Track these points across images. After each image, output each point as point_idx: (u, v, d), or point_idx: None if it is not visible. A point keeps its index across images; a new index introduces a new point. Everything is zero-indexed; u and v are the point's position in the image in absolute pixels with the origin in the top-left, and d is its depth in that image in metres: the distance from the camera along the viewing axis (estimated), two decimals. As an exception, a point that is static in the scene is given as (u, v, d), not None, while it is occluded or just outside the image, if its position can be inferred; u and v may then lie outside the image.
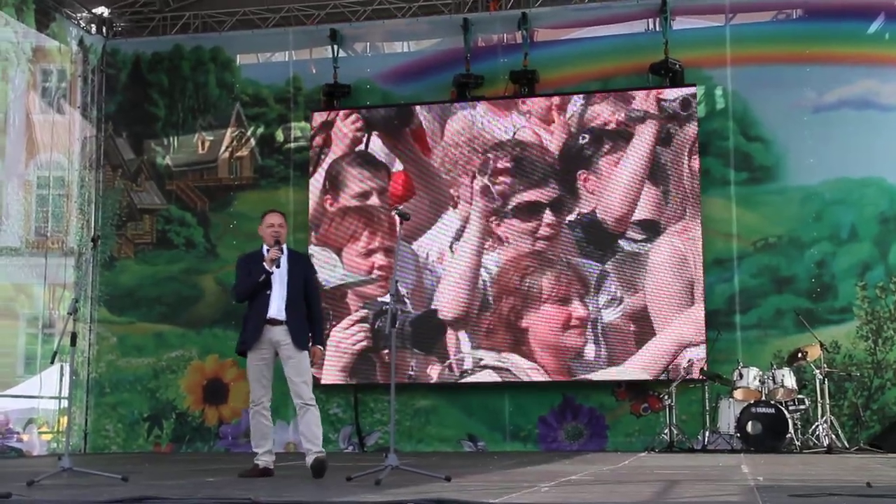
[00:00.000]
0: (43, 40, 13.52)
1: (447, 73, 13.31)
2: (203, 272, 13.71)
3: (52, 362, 9.71)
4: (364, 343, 12.77)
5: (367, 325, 12.79)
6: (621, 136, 12.54)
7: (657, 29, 12.96)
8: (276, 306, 7.10)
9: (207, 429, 13.42)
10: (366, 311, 12.80)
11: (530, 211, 12.64)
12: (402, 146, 13.09)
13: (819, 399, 11.00)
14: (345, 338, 12.79)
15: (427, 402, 12.90)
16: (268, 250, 7.18)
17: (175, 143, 14.08)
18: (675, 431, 11.38)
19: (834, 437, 10.84)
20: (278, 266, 7.12)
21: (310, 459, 6.94)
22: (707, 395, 11.62)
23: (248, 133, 13.89)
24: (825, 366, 11.16)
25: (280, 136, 13.83)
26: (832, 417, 11.01)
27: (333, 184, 13.16)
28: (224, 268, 13.44)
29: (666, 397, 11.53)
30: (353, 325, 12.80)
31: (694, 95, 12.46)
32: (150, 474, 8.02)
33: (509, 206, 12.69)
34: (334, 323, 12.81)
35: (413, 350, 12.63)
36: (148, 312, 13.77)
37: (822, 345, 11.23)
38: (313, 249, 12.91)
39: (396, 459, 6.50)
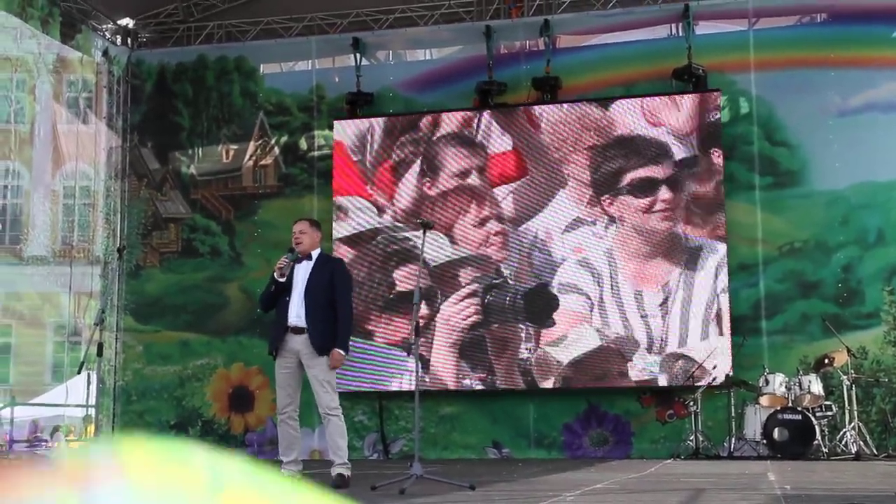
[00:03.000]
0: (65, 51, 13.66)
1: (470, 81, 13.31)
2: (228, 280, 13.77)
3: (80, 372, 9.78)
4: (475, 318, 12.62)
5: (477, 300, 12.65)
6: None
7: (680, 34, 12.92)
8: (295, 312, 7.06)
9: (233, 436, 13.47)
10: (476, 285, 12.66)
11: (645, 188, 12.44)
12: (515, 126, 12.95)
13: (846, 405, 10.91)
14: (455, 313, 12.63)
15: (451, 409, 12.90)
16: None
17: (200, 152, 14.16)
18: (701, 438, 11.32)
19: (862, 443, 10.74)
20: (283, 276, 7.08)
21: (332, 474, 6.95)
22: (733, 401, 11.54)
23: (272, 142, 13.95)
24: (852, 372, 11.06)
25: (304, 144, 13.88)
26: (860, 424, 10.90)
27: (431, 167, 13.04)
28: (249, 275, 13.52)
29: (691, 404, 11.46)
30: (462, 299, 12.63)
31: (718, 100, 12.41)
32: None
33: (623, 184, 12.51)
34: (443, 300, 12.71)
35: (526, 324, 12.51)
36: (173, 321, 13.85)
37: (849, 350, 11.13)
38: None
39: (421, 468, 6.50)
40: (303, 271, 7.16)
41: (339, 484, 6.83)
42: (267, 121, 13.97)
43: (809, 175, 12.30)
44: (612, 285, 12.29)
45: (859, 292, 12.01)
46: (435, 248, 12.67)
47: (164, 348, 13.81)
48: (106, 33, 14.13)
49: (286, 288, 7.13)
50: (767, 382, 11.12)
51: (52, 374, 14.08)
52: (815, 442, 10.58)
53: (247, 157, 14.01)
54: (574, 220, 12.53)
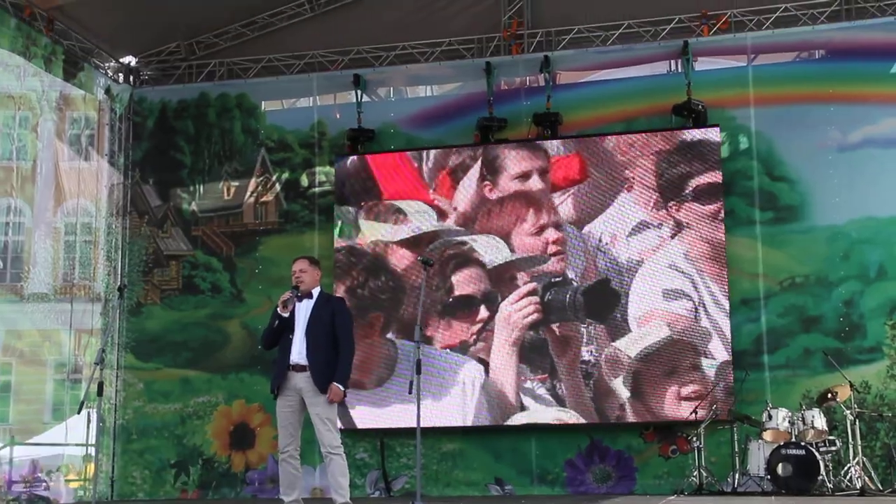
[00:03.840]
0: (68, 89, 13.71)
1: (471, 117, 13.36)
2: (229, 317, 13.74)
3: (80, 412, 9.73)
4: (534, 316, 12.53)
5: (536, 298, 12.57)
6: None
7: (679, 70, 12.99)
8: (297, 350, 7.07)
9: (234, 475, 13.38)
10: (535, 283, 12.58)
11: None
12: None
13: (850, 440, 10.85)
14: (514, 311, 12.55)
15: (453, 446, 12.83)
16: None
17: (201, 189, 14.18)
18: (705, 474, 11.25)
19: (867, 478, 10.67)
20: (286, 307, 7.06)
21: (334, 511, 6.92)
22: (736, 436, 11.49)
23: (273, 178, 13.98)
24: (856, 406, 11.02)
25: (305, 180, 13.91)
26: (864, 459, 10.85)
27: (491, 169, 13.03)
28: (250, 312, 13.50)
29: (694, 439, 11.40)
30: (521, 298, 12.54)
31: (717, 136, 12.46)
32: (178, 522, 8.01)
33: (688, 190, 12.50)
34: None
35: (587, 320, 12.43)
36: (174, 358, 13.80)
37: (851, 385, 11.09)
38: (477, 238, 12.86)
39: (425, 507, 6.46)
40: (304, 309, 7.18)
41: (342, 523, 6.80)
42: (268, 157, 14.01)
43: (810, 210, 12.32)
44: (679, 283, 12.27)
45: (861, 327, 11.99)
46: (492, 251, 12.70)
47: (164, 386, 13.75)
48: (108, 71, 14.21)
49: (288, 326, 7.12)
50: (771, 417, 11.08)
51: (52, 413, 13.98)
52: (820, 477, 10.52)
53: (248, 193, 14.03)
54: (639, 223, 12.50)
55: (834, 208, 12.23)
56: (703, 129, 12.50)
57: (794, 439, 10.83)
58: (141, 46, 14.31)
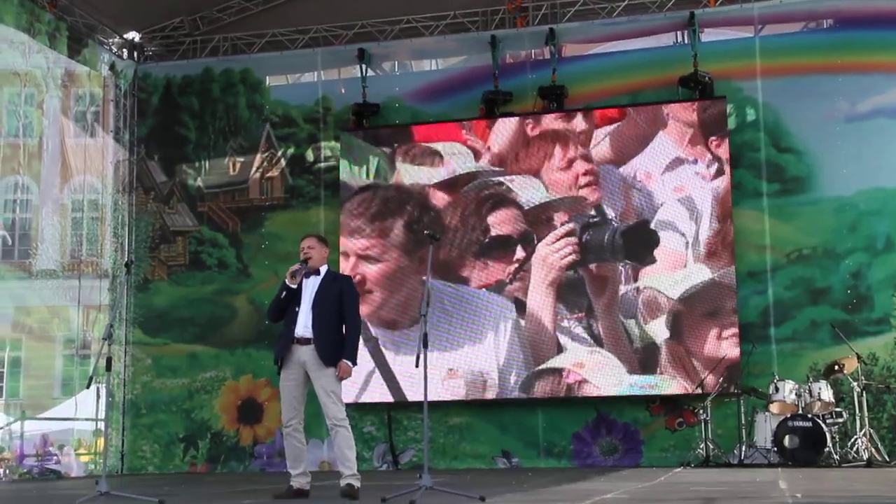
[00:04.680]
0: (73, 66, 13.69)
1: (476, 90, 13.32)
2: (236, 293, 13.78)
3: (88, 386, 9.79)
4: (572, 257, 12.48)
5: (574, 239, 12.52)
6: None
7: (686, 41, 12.92)
8: (303, 323, 7.07)
9: (242, 448, 13.46)
10: (573, 224, 12.56)
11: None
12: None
13: (857, 412, 10.86)
14: (552, 252, 12.50)
15: (460, 419, 12.87)
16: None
17: (206, 165, 14.18)
18: (711, 446, 11.28)
19: (873, 450, 10.68)
20: (295, 277, 7.07)
21: (341, 484, 6.93)
22: (743, 408, 11.50)
23: (279, 154, 13.97)
24: (863, 378, 11.02)
25: (310, 156, 13.90)
26: (871, 430, 10.85)
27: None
28: (256, 287, 13.53)
29: (701, 412, 11.42)
30: (559, 239, 12.51)
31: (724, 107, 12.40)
32: (186, 496, 8.05)
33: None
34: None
35: (625, 261, 12.40)
36: (182, 333, 13.86)
37: (858, 357, 11.10)
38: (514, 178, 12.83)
39: (430, 479, 6.48)
40: (311, 285, 7.18)
41: (349, 494, 6.82)
42: (273, 133, 14.00)
43: (817, 181, 12.27)
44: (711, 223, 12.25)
45: (868, 298, 11.97)
46: (529, 191, 12.67)
47: (172, 361, 13.82)
48: (112, 47, 14.18)
49: (294, 299, 7.12)
50: (777, 390, 11.09)
51: (62, 388, 14.07)
52: (826, 449, 10.54)
53: (253, 169, 14.03)
54: (674, 159, 12.46)
55: (841, 179, 12.18)
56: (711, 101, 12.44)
57: (800, 411, 10.84)
58: (145, 22, 14.27)
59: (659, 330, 12.15)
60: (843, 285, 12.06)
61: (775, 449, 10.77)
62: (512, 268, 12.60)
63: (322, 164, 13.80)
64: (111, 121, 14.18)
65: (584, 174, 12.54)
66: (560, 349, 12.37)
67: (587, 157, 12.58)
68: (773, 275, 12.24)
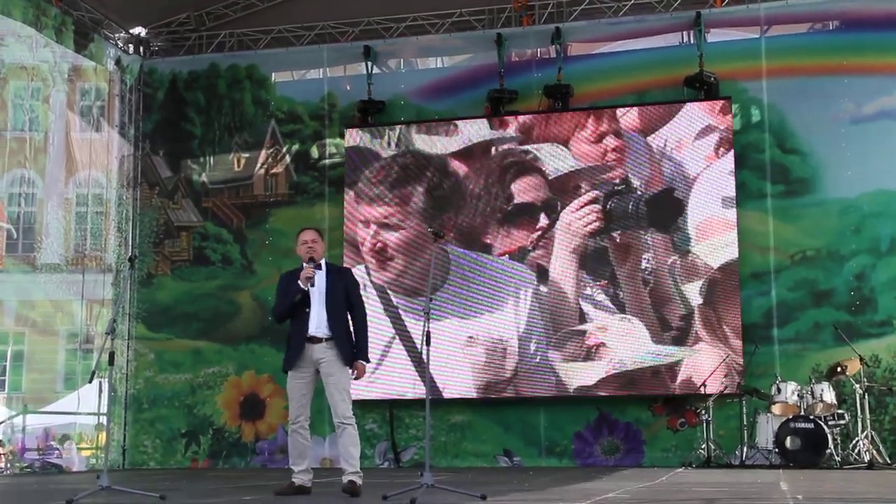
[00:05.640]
0: (80, 60, 13.72)
1: (481, 89, 13.33)
2: (239, 288, 13.79)
3: (91, 381, 9.78)
4: (596, 224, 12.50)
5: (598, 207, 12.52)
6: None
7: (692, 42, 12.91)
8: (316, 323, 7.04)
9: (244, 444, 13.47)
10: (597, 192, 12.56)
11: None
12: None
13: (859, 414, 10.86)
14: (575, 219, 12.51)
15: (462, 418, 12.88)
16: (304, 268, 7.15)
17: (211, 160, 14.20)
18: (713, 447, 11.28)
19: (875, 452, 10.68)
20: (313, 284, 7.06)
21: (344, 481, 6.94)
22: (745, 409, 11.50)
23: (284, 150, 13.98)
24: (865, 380, 11.01)
25: (315, 152, 13.91)
26: (873, 433, 10.85)
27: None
28: (260, 284, 13.55)
29: (703, 412, 11.42)
30: (582, 206, 12.52)
31: (730, 108, 12.39)
32: (187, 492, 8.06)
33: None
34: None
35: (649, 229, 12.40)
36: (185, 329, 13.87)
37: (861, 359, 11.09)
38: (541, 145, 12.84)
39: (431, 478, 6.49)
40: (319, 281, 7.13)
41: (351, 491, 6.83)
42: (278, 129, 14.01)
43: (821, 183, 12.26)
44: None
45: (872, 300, 11.96)
46: (556, 159, 12.66)
47: (175, 356, 13.83)
48: (118, 42, 14.20)
49: (305, 299, 7.10)
50: (779, 391, 11.08)
51: (64, 382, 14.09)
52: (828, 451, 10.53)
53: (258, 165, 14.04)
54: (705, 127, 12.46)
55: (846, 181, 12.17)
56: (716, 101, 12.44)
57: (802, 413, 10.84)
58: (151, 17, 14.29)
59: (691, 295, 12.14)
60: (846, 287, 12.05)
61: (777, 450, 10.77)
62: (535, 235, 12.61)
63: (327, 161, 13.81)
64: (116, 116, 14.20)
65: (613, 150, 12.53)
66: (583, 317, 12.37)
67: (618, 133, 12.55)
68: (776, 276, 12.23)
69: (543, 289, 12.45)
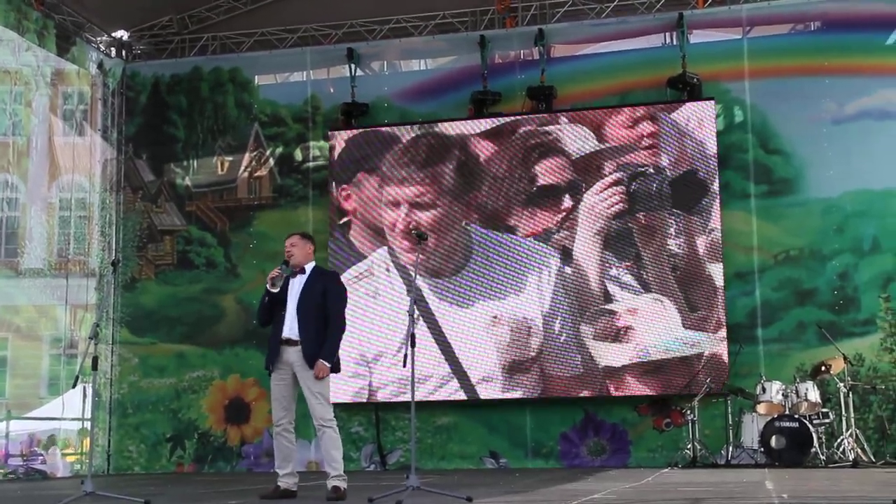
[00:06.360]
0: (62, 64, 13.65)
1: (464, 91, 13.33)
2: (224, 292, 13.75)
3: (74, 386, 9.75)
4: (619, 206, 12.45)
5: (622, 188, 12.48)
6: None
7: (674, 43, 12.95)
8: (289, 325, 7.07)
9: (230, 448, 13.43)
10: (620, 174, 12.51)
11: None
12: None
13: (843, 413, 10.91)
14: (599, 201, 12.49)
15: (448, 419, 12.87)
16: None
17: (195, 164, 14.15)
18: (699, 446, 11.31)
19: (859, 451, 10.73)
20: (275, 286, 7.07)
21: (328, 486, 6.93)
22: (730, 409, 11.53)
23: (267, 153, 13.95)
24: (849, 379, 11.07)
25: (299, 155, 13.89)
26: (857, 431, 10.90)
27: None
28: (244, 287, 13.51)
29: (688, 412, 11.45)
30: (606, 188, 12.50)
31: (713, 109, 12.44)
32: (172, 497, 8.03)
33: None
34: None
35: (672, 210, 12.37)
36: (169, 333, 13.82)
37: (845, 358, 11.14)
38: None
39: (417, 480, 6.48)
40: (297, 285, 7.17)
41: (335, 496, 6.81)
42: (262, 132, 13.98)
43: (804, 183, 12.32)
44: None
45: (855, 300, 12.02)
46: (579, 140, 12.65)
47: (159, 360, 13.78)
48: (101, 45, 14.14)
49: (281, 301, 7.12)
50: (764, 390, 11.12)
51: (48, 388, 14.00)
52: (813, 449, 10.58)
53: (242, 168, 14.00)
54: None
55: (828, 181, 12.23)
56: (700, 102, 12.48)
57: (787, 412, 10.88)
58: (133, 20, 14.24)
59: (717, 277, 12.12)
60: (829, 286, 12.10)
61: (762, 449, 10.81)
62: (559, 217, 12.61)
63: (311, 164, 13.79)
64: (99, 119, 14.14)
65: (649, 136, 12.52)
66: (608, 297, 12.37)
67: (654, 118, 12.54)
68: (760, 276, 12.28)
69: (568, 269, 12.47)
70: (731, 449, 11.29)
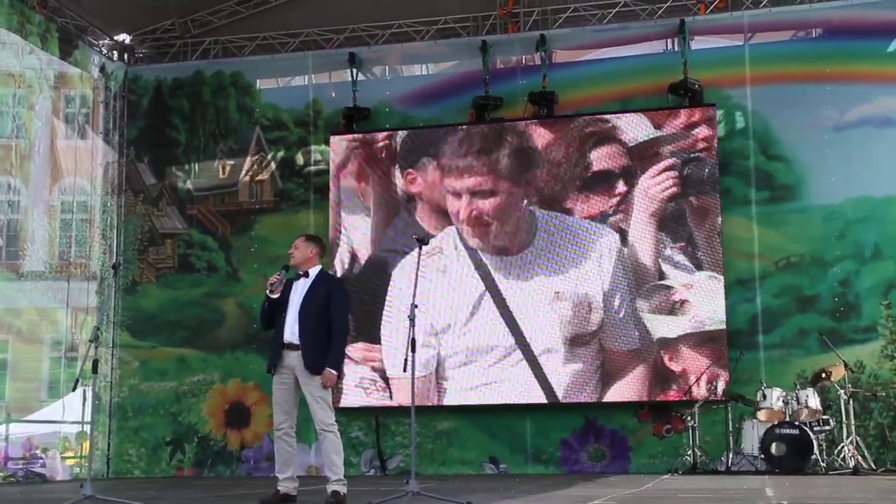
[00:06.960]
0: (65, 67, 13.67)
1: (466, 95, 13.34)
2: (225, 296, 13.76)
3: (75, 389, 9.74)
4: (672, 189, 12.49)
5: (675, 173, 12.50)
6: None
7: (676, 49, 12.97)
8: (290, 329, 7.07)
9: (230, 453, 13.43)
10: (674, 159, 12.55)
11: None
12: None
13: (844, 420, 10.89)
14: (653, 185, 12.53)
15: (448, 424, 12.87)
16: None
17: (196, 167, 14.16)
18: (699, 453, 11.30)
19: (860, 458, 10.71)
20: (273, 291, 7.08)
21: (327, 491, 6.93)
22: (730, 416, 11.51)
23: (269, 157, 13.96)
24: (850, 386, 11.06)
25: (300, 159, 13.89)
26: (858, 438, 10.88)
27: None
28: (245, 291, 13.51)
29: (689, 418, 11.45)
30: (660, 173, 12.54)
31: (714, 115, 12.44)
32: (172, 500, 8.03)
33: None
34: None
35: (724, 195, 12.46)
36: (170, 336, 13.82)
37: (846, 364, 11.13)
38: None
39: (417, 485, 6.48)
40: (300, 288, 7.16)
41: (335, 501, 6.81)
42: (263, 136, 13.99)
43: (805, 189, 12.32)
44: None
45: (856, 306, 12.01)
46: (634, 128, 12.70)
47: (160, 364, 13.78)
48: (103, 49, 14.16)
49: (282, 305, 7.12)
50: (765, 397, 11.11)
51: (49, 391, 14.01)
52: (813, 456, 10.56)
53: (243, 172, 14.02)
54: None
55: (829, 188, 12.23)
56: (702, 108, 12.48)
57: (788, 419, 10.86)
58: (135, 24, 14.25)
59: None
60: (830, 293, 12.10)
61: (762, 456, 10.79)
62: (614, 200, 12.66)
63: (312, 168, 13.80)
64: (101, 122, 14.15)
65: (703, 139, 12.56)
66: (662, 275, 12.40)
67: (711, 122, 12.54)
68: (761, 282, 12.28)
69: (624, 249, 12.55)
70: (731, 455, 11.27)
